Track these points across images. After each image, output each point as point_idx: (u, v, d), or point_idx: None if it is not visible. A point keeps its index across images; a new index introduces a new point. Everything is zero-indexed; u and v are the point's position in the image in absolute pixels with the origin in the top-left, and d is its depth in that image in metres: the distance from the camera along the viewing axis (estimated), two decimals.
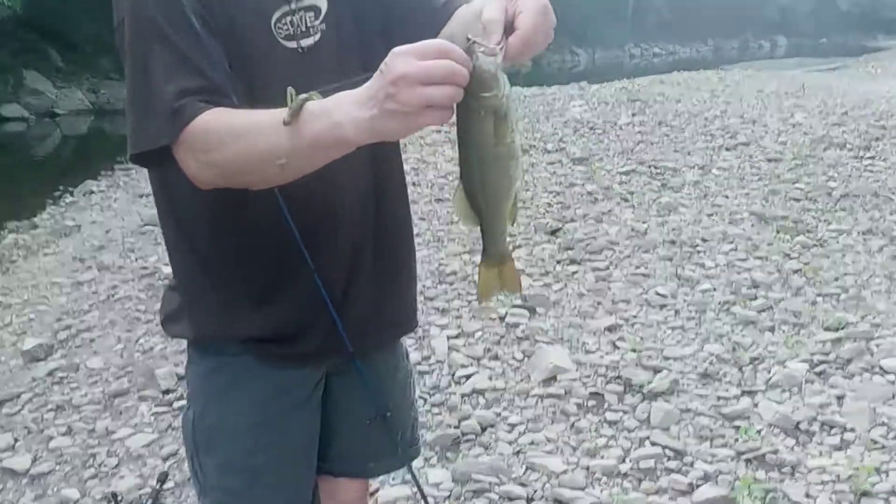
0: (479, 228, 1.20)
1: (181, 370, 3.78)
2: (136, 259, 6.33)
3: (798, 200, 5.84)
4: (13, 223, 8.89)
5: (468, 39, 1.05)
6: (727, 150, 7.72)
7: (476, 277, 1.32)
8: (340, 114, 1.06)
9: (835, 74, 19.18)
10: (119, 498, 2.81)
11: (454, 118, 1.08)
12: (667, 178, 6.69)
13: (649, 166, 7.08)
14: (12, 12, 17.93)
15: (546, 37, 1.13)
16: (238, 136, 1.16)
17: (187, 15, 1.21)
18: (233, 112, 1.18)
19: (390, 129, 1.03)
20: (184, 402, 1.61)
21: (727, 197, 6.05)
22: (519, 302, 4.14)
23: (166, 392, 3.75)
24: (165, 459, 3.16)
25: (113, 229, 7.60)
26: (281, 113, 1.10)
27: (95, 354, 4.48)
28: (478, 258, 3.90)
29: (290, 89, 1.10)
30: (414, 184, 7.28)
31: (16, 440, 3.53)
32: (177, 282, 1.50)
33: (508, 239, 1.26)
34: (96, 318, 5.15)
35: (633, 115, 10.05)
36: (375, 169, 1.47)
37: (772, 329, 3.69)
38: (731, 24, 69.08)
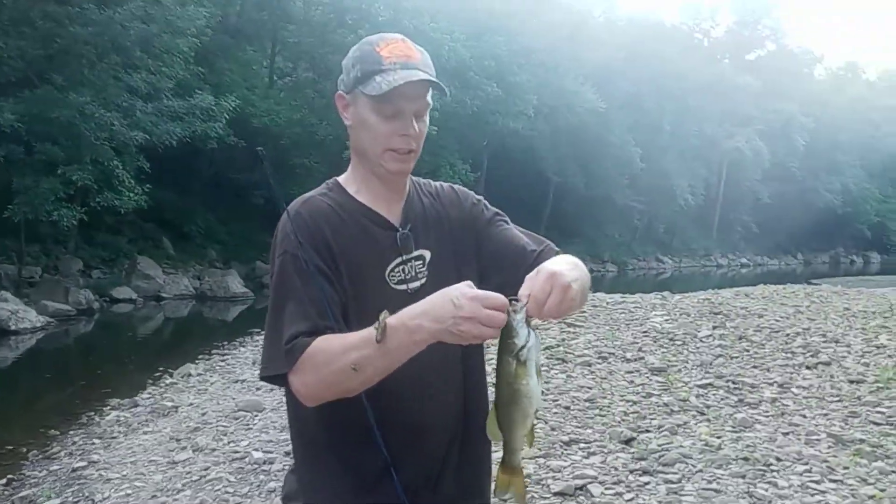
0: (502, 442, 1.59)
1: None
2: (229, 443, 6.66)
3: (878, 424, 5.83)
4: (116, 400, 9.46)
5: (510, 298, 1.50)
6: (807, 368, 7.77)
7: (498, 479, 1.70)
8: (414, 329, 1.51)
9: None
10: None
11: None
12: (744, 393, 6.78)
13: (727, 381, 7.18)
14: (135, 205, 19.62)
15: (559, 306, 1.51)
16: (337, 355, 1.57)
17: (314, 275, 1.67)
18: (330, 338, 1.61)
19: (448, 340, 1.49)
20: None
21: (805, 416, 6.09)
22: None
23: None
24: None
25: (208, 412, 8.01)
26: (368, 332, 1.54)
27: None
28: (552, 462, 4.17)
29: (384, 312, 1.54)
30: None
31: None
32: (295, 466, 1.85)
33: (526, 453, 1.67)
34: (188, 498, 5.43)
35: (714, 327, 10.20)
36: (467, 386, 1.85)
37: None
38: (821, 238, 69.09)
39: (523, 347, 1.49)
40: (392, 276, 1.77)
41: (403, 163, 1.77)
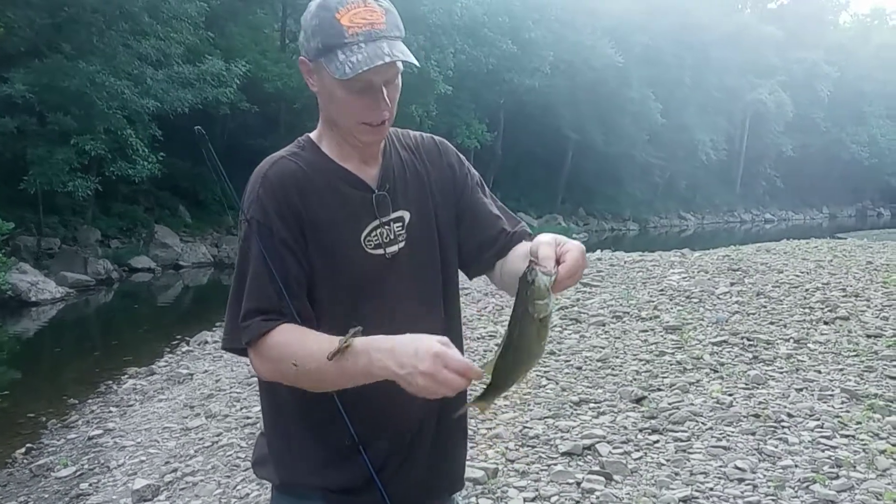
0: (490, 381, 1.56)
1: None
2: (241, 409, 6.69)
3: (894, 379, 5.73)
4: (133, 369, 9.55)
5: (532, 261, 1.46)
6: (825, 323, 7.65)
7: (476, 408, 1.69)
8: (376, 362, 1.45)
9: None
10: None
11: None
12: (759, 350, 6.68)
13: (742, 338, 7.08)
14: (150, 173, 19.64)
15: (578, 277, 1.51)
16: (293, 358, 1.53)
17: (279, 248, 1.61)
18: (294, 335, 1.56)
19: (404, 387, 1.44)
20: None
21: (820, 372, 5.99)
22: (597, 469, 4.25)
23: None
24: None
25: (222, 379, 8.06)
26: (330, 344, 1.48)
27: (197, 498, 4.77)
28: (561, 422, 4.09)
29: (355, 330, 1.48)
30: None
31: None
32: (265, 432, 1.81)
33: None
34: (200, 463, 5.47)
35: (732, 284, 10.08)
36: None
37: None
38: (848, 191, 68.13)
39: (550, 313, 1.45)
40: (368, 240, 1.69)
41: (378, 134, 1.70)
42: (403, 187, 1.77)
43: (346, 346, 1.45)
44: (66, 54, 18.35)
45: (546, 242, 1.49)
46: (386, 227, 1.71)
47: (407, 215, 1.75)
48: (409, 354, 1.41)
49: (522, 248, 1.74)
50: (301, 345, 1.53)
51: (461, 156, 1.91)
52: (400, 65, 1.63)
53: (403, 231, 1.73)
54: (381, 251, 1.70)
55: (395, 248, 1.71)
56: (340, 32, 1.57)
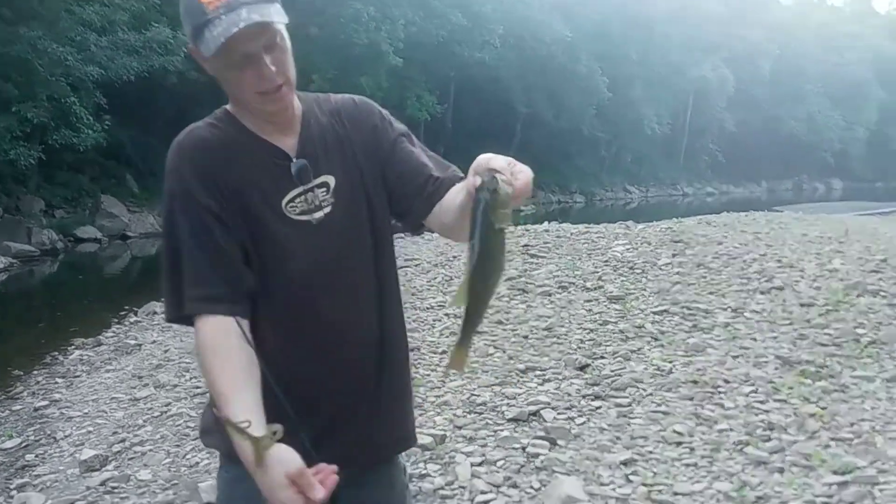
0: (465, 313, 1.53)
1: None
2: (190, 378, 6.70)
3: (825, 346, 5.97)
4: (80, 340, 9.46)
5: (489, 170, 1.41)
6: (761, 293, 7.90)
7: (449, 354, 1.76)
8: (250, 465, 1.50)
9: (885, 220, 19.12)
10: None
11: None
12: (698, 319, 6.90)
13: (682, 307, 7.29)
14: (94, 142, 19.25)
15: (522, 201, 1.48)
16: (207, 371, 1.58)
17: (204, 217, 1.62)
18: (217, 346, 1.58)
19: None
20: None
21: (755, 340, 6.22)
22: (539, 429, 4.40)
23: None
24: None
25: (171, 349, 8.04)
26: (232, 405, 1.52)
27: (145, 467, 4.80)
28: (508, 390, 4.22)
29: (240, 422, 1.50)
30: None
31: None
32: (210, 402, 1.81)
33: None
34: (149, 433, 5.49)
35: (674, 255, 10.30)
36: (381, 319, 1.81)
37: (781, 470, 3.83)
38: (785, 165, 69.70)
39: (509, 224, 1.41)
40: (291, 207, 1.68)
41: (279, 101, 1.66)
42: (325, 153, 1.74)
43: (237, 424, 1.49)
44: (6, 19, 17.83)
45: (497, 157, 1.44)
46: (310, 193, 1.70)
47: (332, 180, 1.73)
48: (264, 487, 1.50)
49: (458, 188, 1.69)
50: (218, 369, 1.56)
51: (383, 111, 1.88)
52: (280, 27, 1.60)
53: (329, 196, 1.72)
54: (306, 217, 1.69)
55: (320, 214, 1.70)
56: (202, 10, 1.55)
